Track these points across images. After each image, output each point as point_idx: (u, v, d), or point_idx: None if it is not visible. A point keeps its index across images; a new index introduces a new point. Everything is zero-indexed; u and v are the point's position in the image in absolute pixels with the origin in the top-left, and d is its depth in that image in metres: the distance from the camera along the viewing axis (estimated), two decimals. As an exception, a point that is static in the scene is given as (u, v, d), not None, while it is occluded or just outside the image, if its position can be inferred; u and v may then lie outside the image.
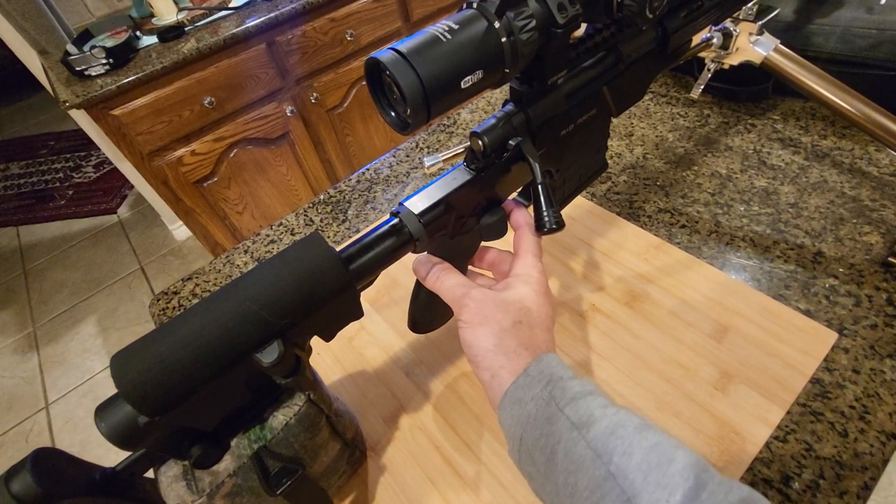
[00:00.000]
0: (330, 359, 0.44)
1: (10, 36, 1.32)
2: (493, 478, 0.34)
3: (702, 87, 0.49)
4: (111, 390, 0.22)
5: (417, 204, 0.29)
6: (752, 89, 0.62)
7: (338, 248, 0.27)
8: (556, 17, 0.25)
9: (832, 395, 0.37)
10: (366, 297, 0.48)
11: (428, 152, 0.68)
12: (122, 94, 1.07)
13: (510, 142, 0.30)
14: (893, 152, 0.41)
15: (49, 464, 0.22)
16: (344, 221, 0.60)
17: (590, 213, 0.52)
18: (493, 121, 0.30)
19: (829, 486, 0.33)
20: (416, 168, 0.65)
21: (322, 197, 0.64)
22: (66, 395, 1.48)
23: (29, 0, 1.17)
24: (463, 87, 0.24)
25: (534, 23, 0.25)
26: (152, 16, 1.21)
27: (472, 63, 0.23)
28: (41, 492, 0.21)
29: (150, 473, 0.28)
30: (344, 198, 0.63)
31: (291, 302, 0.24)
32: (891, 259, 0.43)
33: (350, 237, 0.57)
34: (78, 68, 1.04)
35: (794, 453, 0.34)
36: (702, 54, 0.49)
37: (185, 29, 1.18)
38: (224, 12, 1.24)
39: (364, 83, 1.42)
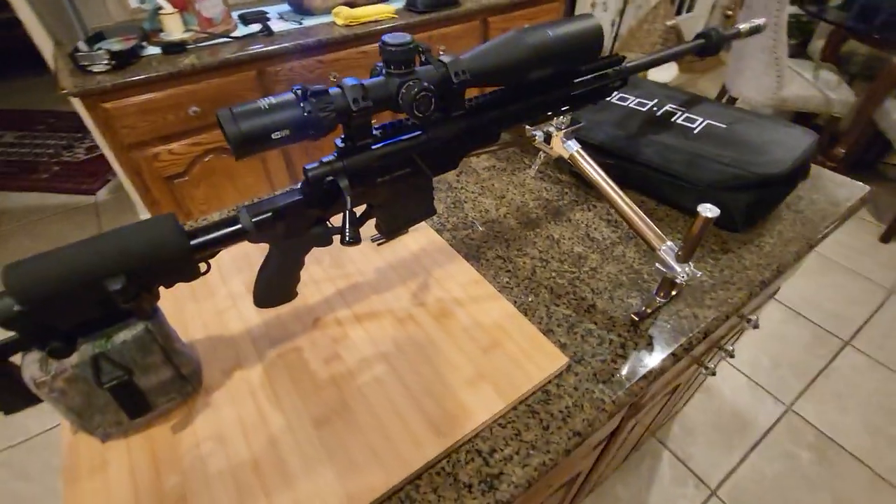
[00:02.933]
0: (200, 323, 0.56)
1: (32, 23, 1.49)
2: (286, 423, 0.46)
3: (535, 169, 0.65)
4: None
5: (254, 208, 0.43)
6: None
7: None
8: (351, 106, 0.41)
9: (551, 402, 0.50)
10: (244, 284, 0.60)
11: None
12: (116, 92, 1.22)
13: (327, 178, 0.45)
14: (645, 244, 0.56)
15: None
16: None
17: (440, 250, 0.66)
18: (319, 163, 0.45)
19: (519, 460, 0.45)
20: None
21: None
22: None
23: (56, -1, 1.34)
24: (274, 138, 0.38)
25: (332, 107, 0.40)
26: (161, 30, 1.38)
27: (280, 125, 0.38)
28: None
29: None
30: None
31: (138, 253, 0.37)
32: (633, 317, 0.57)
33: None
34: (81, 63, 1.19)
35: (505, 435, 0.47)
36: (537, 145, 0.65)
37: (188, 46, 1.36)
38: (225, 39, 1.42)
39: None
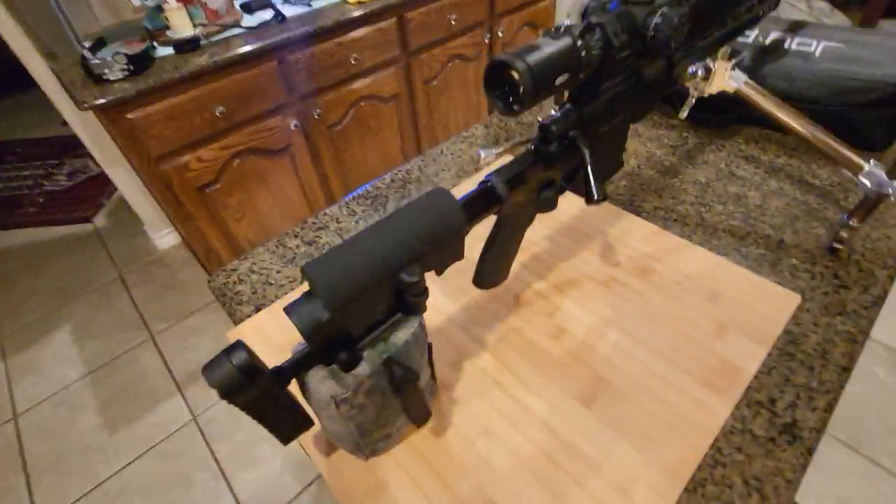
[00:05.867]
0: (393, 320, 0.51)
1: (14, 37, 1.33)
2: (551, 407, 0.42)
3: (687, 110, 0.62)
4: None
5: (503, 174, 0.38)
6: (721, 118, 0.76)
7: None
8: (613, 41, 0.36)
9: (799, 342, 0.47)
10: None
11: (462, 156, 0.77)
12: (138, 99, 1.11)
13: (570, 132, 0.40)
14: (837, 167, 0.54)
15: (247, 350, 0.28)
16: (383, 214, 0.67)
17: (600, 209, 0.62)
18: (557, 115, 0.40)
19: (804, 404, 0.42)
20: (445, 169, 0.74)
21: (360, 192, 0.72)
22: (38, 405, 1.41)
23: (43, 7, 1.20)
24: (556, 84, 0.33)
25: (601, 44, 0.35)
26: (167, 28, 1.26)
27: (562, 69, 0.33)
28: (252, 364, 0.27)
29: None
30: (381, 193, 0.71)
31: (427, 235, 0.32)
32: (834, 245, 0.55)
33: (392, 225, 0.65)
34: (97, 72, 1.07)
35: (775, 383, 0.44)
36: (686, 84, 0.61)
37: (201, 43, 1.24)
38: (237, 30, 1.31)
39: (363, 104, 1.52)
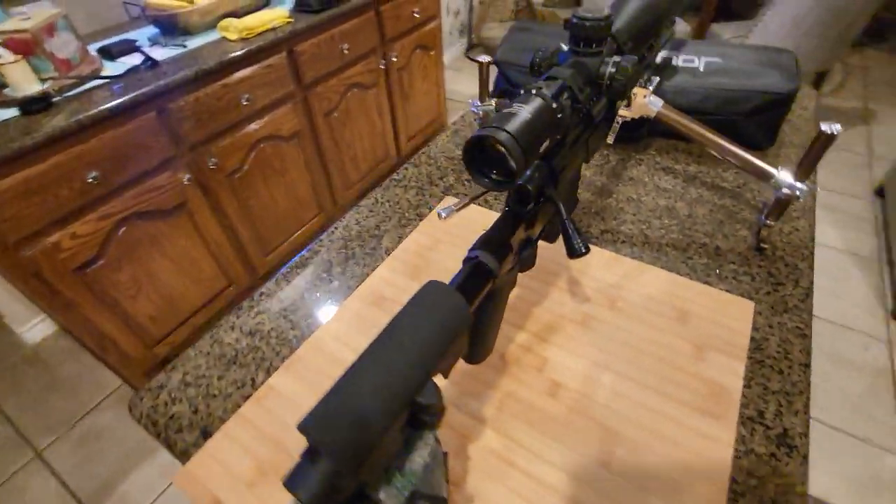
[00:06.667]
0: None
1: None
2: (572, 477, 0.39)
3: (614, 136, 0.64)
4: None
5: (488, 246, 0.35)
6: (633, 133, 0.82)
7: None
8: (579, 95, 0.35)
9: (763, 347, 0.50)
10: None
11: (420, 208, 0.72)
12: (-22, 178, 0.90)
13: (545, 190, 0.38)
14: (740, 170, 0.59)
15: None
16: (331, 282, 0.61)
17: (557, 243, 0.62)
18: (529, 174, 0.38)
19: (787, 410, 0.45)
20: (385, 220, 0.69)
21: (297, 259, 0.64)
22: None
23: None
24: (542, 150, 0.31)
25: (570, 102, 0.34)
26: (4, 86, 1.04)
27: (544, 131, 0.31)
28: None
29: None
30: (322, 258, 0.64)
31: (438, 345, 0.28)
32: (761, 245, 0.61)
33: (344, 297, 0.58)
34: (-89, 151, 0.84)
35: (758, 393, 0.47)
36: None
37: (54, 100, 1.05)
38: (100, 80, 1.13)
39: (263, 145, 1.40)
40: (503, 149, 0.29)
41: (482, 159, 0.31)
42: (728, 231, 0.64)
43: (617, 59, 0.38)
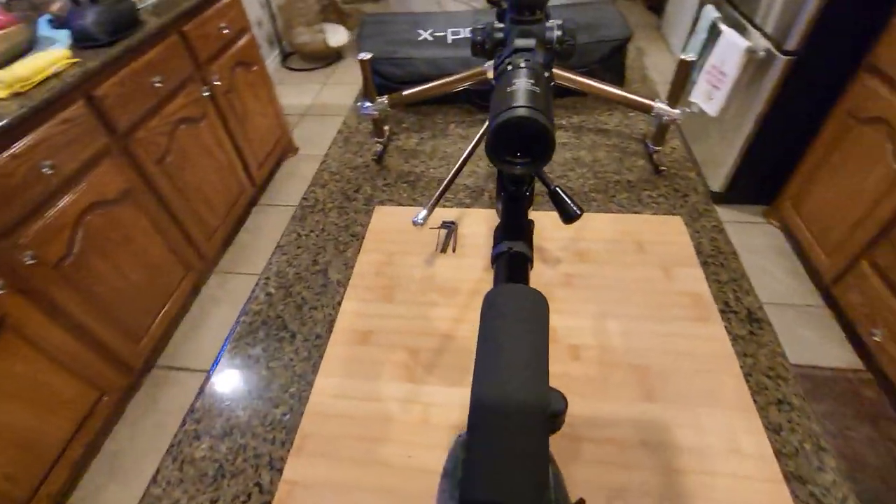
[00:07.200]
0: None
1: None
2: (635, 427, 0.41)
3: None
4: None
5: (510, 234, 0.34)
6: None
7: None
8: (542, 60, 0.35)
9: (702, 250, 0.58)
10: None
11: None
12: None
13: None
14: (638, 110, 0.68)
15: None
16: (294, 337, 0.52)
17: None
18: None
19: (741, 294, 0.53)
20: (321, 252, 0.62)
21: (237, 331, 0.53)
22: None
23: None
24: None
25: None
26: None
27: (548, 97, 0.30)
28: None
29: None
30: (270, 315, 0.55)
31: (542, 346, 0.26)
32: (659, 169, 0.70)
33: (320, 349, 0.51)
34: None
35: (717, 289, 0.54)
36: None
37: None
38: None
39: (90, 217, 1.14)
40: (545, 127, 0.27)
41: (502, 147, 0.29)
42: (629, 164, 0.73)
43: (558, 21, 0.39)
